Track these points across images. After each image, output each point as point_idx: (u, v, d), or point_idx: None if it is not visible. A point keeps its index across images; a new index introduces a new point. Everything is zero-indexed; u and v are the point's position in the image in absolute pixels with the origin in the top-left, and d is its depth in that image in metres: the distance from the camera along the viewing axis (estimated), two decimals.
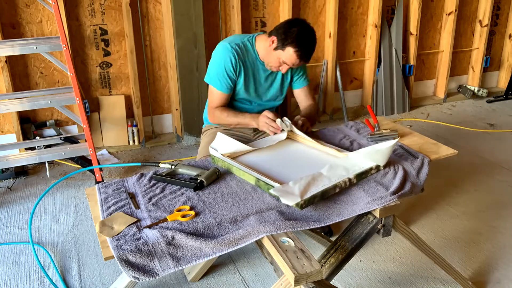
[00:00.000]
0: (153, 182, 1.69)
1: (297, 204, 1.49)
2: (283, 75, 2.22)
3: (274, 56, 2.04)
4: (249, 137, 2.21)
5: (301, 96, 2.31)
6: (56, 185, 2.95)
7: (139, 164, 1.81)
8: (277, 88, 2.24)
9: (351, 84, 4.23)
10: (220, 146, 1.83)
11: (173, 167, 1.74)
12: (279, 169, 1.74)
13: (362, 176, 1.69)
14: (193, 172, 1.70)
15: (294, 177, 1.61)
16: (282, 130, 1.98)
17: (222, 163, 1.77)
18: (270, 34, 2.06)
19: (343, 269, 1.71)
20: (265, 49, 2.09)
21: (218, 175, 1.69)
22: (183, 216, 1.46)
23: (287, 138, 2.00)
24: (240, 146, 1.83)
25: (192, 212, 1.48)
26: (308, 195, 1.51)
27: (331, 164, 1.71)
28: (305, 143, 1.97)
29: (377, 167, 1.74)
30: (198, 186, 1.62)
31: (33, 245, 2.31)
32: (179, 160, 3.32)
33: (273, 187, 1.56)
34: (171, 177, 1.69)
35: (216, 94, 2.16)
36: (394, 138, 2.01)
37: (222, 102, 2.17)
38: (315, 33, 2.03)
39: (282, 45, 1.99)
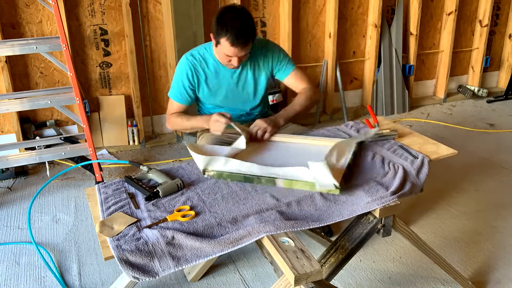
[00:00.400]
0: (153, 182, 1.69)
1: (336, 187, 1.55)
2: (254, 74, 2.17)
3: (219, 53, 2.02)
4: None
5: (292, 83, 2.23)
6: (56, 185, 2.95)
7: (127, 162, 1.81)
8: (251, 89, 2.21)
9: (351, 84, 4.23)
10: (203, 162, 1.70)
11: (148, 171, 1.70)
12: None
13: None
14: (160, 180, 1.65)
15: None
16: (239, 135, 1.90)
17: (220, 174, 1.70)
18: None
19: (343, 269, 1.71)
20: (213, 48, 2.08)
21: (180, 187, 1.62)
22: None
23: (269, 141, 1.98)
24: (218, 155, 1.73)
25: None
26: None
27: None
28: (285, 141, 1.98)
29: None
30: (151, 197, 1.56)
31: (36, 245, 2.31)
32: (179, 160, 3.33)
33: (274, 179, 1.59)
34: (139, 180, 1.66)
35: (175, 104, 2.22)
36: (394, 138, 2.02)
37: (177, 110, 2.22)
38: (245, 12, 1.95)
39: (216, 39, 1.96)
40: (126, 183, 1.68)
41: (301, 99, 2.17)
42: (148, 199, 1.56)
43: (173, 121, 2.22)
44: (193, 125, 2.15)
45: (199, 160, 1.69)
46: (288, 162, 1.73)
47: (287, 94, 3.85)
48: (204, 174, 1.71)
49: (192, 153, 1.69)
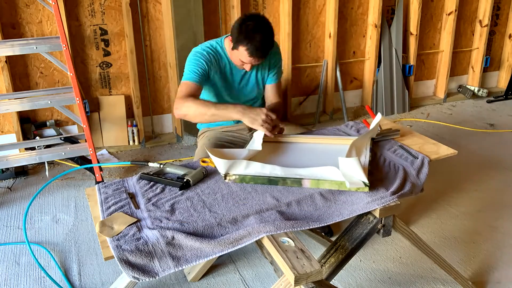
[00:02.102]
0: (153, 182, 1.69)
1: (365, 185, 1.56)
2: (257, 73, 2.18)
3: (234, 56, 2.02)
4: (245, 137, 2.21)
5: (269, 93, 2.24)
6: (56, 185, 2.95)
7: (129, 163, 1.79)
8: (254, 86, 2.21)
9: (351, 84, 4.23)
10: (225, 167, 1.67)
11: (161, 166, 1.74)
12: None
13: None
14: (180, 172, 1.69)
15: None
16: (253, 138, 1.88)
17: (242, 178, 1.68)
18: (229, 35, 2.03)
19: (343, 269, 1.71)
20: (228, 49, 2.07)
21: (205, 175, 1.68)
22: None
23: (281, 142, 1.98)
24: (237, 158, 1.71)
25: None
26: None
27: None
28: (299, 142, 1.98)
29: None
30: (184, 186, 1.61)
31: (29, 245, 2.31)
32: (179, 160, 3.33)
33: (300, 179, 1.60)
34: (158, 176, 1.68)
35: (188, 84, 1.97)
36: (395, 138, 2.03)
37: (192, 91, 1.96)
38: (269, 26, 1.94)
39: (235, 44, 1.95)
40: (126, 184, 1.68)
41: (279, 113, 2.14)
42: (182, 188, 1.60)
43: (187, 104, 1.90)
44: (217, 113, 1.86)
45: (221, 165, 1.66)
46: (309, 162, 1.74)
47: (287, 99, 3.85)
48: (225, 179, 1.67)
49: (213, 157, 1.67)
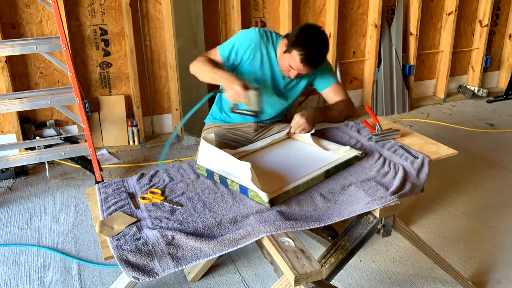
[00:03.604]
0: (153, 182, 1.69)
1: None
2: (298, 80, 2.14)
3: (283, 59, 2.00)
4: (249, 137, 2.21)
5: (330, 96, 2.20)
6: (56, 185, 2.95)
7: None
8: (290, 93, 2.17)
9: (351, 84, 4.23)
10: (207, 159, 1.71)
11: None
12: (281, 169, 1.74)
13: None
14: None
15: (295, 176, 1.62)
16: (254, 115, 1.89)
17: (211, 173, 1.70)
18: (285, 37, 2.02)
19: (343, 269, 1.71)
20: (279, 52, 2.04)
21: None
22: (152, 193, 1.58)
23: (288, 137, 2.00)
24: (226, 155, 1.66)
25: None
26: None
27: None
28: (306, 142, 1.98)
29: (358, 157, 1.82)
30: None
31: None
32: (179, 160, 3.33)
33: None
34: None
35: (214, 51, 2.07)
36: (395, 138, 2.03)
37: (213, 57, 2.05)
38: (327, 40, 1.94)
39: (289, 47, 1.94)
40: (126, 183, 1.68)
41: (341, 107, 2.14)
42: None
43: (198, 63, 1.99)
44: (213, 76, 1.93)
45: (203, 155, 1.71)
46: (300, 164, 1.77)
47: None
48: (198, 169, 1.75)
49: (201, 147, 1.73)
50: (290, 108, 2.29)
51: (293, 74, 2.00)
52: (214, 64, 1.99)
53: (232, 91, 1.82)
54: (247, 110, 1.88)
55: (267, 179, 1.64)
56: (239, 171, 1.56)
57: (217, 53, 2.05)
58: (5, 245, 2.35)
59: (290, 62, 1.96)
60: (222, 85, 1.91)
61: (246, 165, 1.51)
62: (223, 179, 1.63)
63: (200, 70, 1.99)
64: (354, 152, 1.83)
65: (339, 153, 1.85)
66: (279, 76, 2.11)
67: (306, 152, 1.89)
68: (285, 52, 1.97)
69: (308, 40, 1.90)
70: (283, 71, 2.05)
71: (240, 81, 1.82)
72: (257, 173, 1.55)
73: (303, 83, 2.17)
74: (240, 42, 2.04)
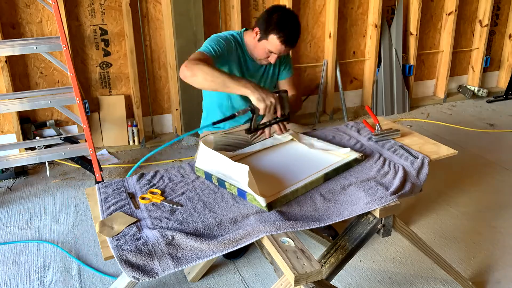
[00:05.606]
0: (153, 182, 1.69)
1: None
2: (273, 69, 2.19)
3: (260, 47, 2.02)
4: (246, 139, 2.20)
5: (285, 87, 2.23)
6: (56, 185, 2.95)
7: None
8: (268, 83, 2.21)
9: (351, 84, 4.23)
10: (206, 162, 1.69)
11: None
12: (280, 171, 1.74)
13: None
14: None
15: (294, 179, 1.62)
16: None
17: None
18: (253, 27, 2.04)
19: (343, 269, 1.71)
20: (252, 42, 2.06)
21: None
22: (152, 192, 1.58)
23: (288, 141, 2.00)
24: (224, 158, 1.63)
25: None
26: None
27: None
28: (305, 143, 1.97)
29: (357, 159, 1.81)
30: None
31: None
32: (179, 160, 3.33)
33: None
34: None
35: (199, 53, 1.89)
36: (396, 138, 2.03)
37: (205, 60, 1.84)
38: (297, 17, 1.99)
39: (264, 34, 1.96)
40: (126, 183, 1.68)
41: (291, 100, 2.13)
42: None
43: (200, 66, 1.76)
44: (228, 82, 1.73)
45: (202, 157, 1.69)
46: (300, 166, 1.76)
47: None
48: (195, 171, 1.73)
49: (200, 150, 1.71)
50: None
51: (273, 58, 2.03)
52: (215, 66, 1.84)
53: (263, 104, 1.70)
54: (273, 119, 1.86)
55: (266, 182, 1.64)
56: (237, 174, 1.56)
57: (206, 54, 1.90)
58: (5, 243, 2.35)
59: (269, 47, 1.98)
60: (240, 92, 1.74)
61: (244, 168, 1.51)
62: (221, 182, 1.63)
63: (203, 74, 1.75)
64: (354, 155, 1.81)
65: (338, 155, 1.84)
66: (254, 69, 2.14)
67: (305, 154, 1.88)
68: (260, 39, 1.99)
69: (282, 21, 1.94)
70: (261, 60, 2.08)
71: (269, 90, 1.75)
72: (255, 176, 1.55)
73: (276, 70, 2.21)
74: (221, 39, 2.02)
